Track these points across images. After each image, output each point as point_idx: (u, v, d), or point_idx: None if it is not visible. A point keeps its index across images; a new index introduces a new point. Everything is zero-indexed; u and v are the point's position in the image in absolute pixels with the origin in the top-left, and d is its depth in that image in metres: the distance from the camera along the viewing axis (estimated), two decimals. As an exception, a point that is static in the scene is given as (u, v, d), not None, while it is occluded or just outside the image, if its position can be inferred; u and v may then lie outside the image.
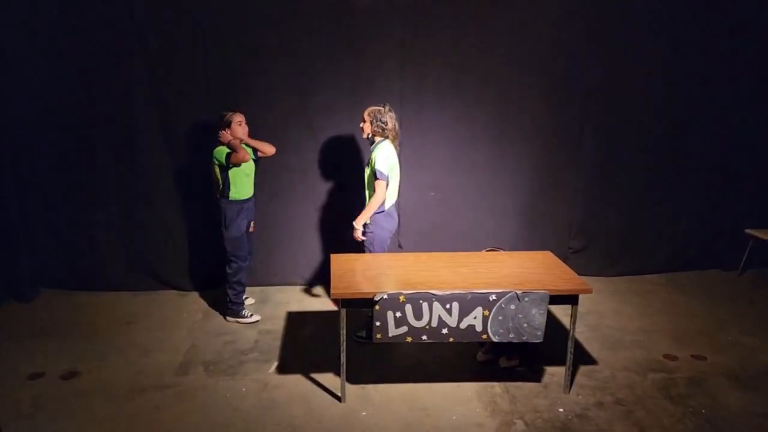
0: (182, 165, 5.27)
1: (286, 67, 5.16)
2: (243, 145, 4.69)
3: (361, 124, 4.49)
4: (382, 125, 4.39)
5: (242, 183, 4.73)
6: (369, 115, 4.43)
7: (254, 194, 4.89)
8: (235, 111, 4.69)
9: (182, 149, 5.22)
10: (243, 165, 4.68)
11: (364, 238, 4.41)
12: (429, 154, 5.50)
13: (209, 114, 5.02)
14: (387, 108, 4.43)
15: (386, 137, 4.44)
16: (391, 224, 4.51)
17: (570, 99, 5.51)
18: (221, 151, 4.65)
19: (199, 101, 5.13)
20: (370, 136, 4.47)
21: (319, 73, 5.21)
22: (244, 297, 5.14)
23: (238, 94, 5.12)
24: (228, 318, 4.99)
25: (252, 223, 4.95)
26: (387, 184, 4.40)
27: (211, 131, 4.82)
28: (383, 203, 4.47)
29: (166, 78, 5.08)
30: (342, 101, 5.28)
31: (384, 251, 4.55)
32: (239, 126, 4.67)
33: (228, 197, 4.70)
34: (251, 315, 5.00)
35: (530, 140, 5.58)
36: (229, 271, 4.86)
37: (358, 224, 4.41)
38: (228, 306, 4.97)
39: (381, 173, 4.34)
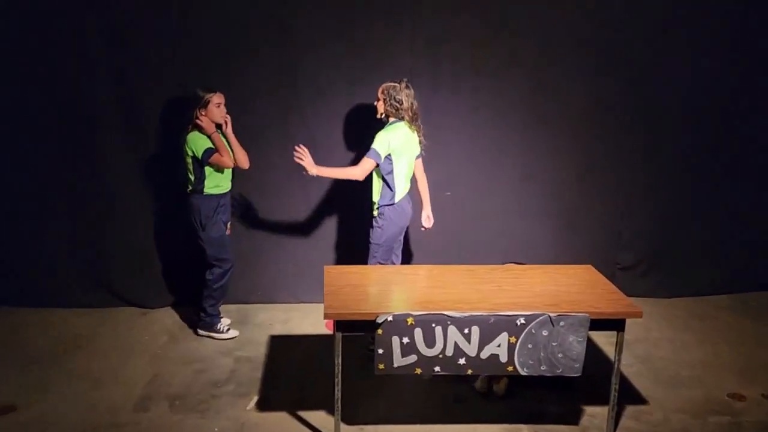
0: (148, 160, 5.30)
1: (273, 44, 5.16)
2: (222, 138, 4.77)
3: (375, 103, 4.67)
4: (396, 104, 4.57)
5: (219, 174, 4.81)
6: (383, 92, 4.60)
7: (231, 188, 4.96)
8: (215, 90, 4.73)
9: (148, 142, 5.26)
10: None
11: (305, 167, 4.45)
12: (444, 145, 5.47)
13: (181, 101, 5.04)
14: (403, 84, 4.59)
15: (401, 118, 4.61)
16: (402, 219, 4.72)
17: (618, 83, 5.49)
18: (197, 141, 4.69)
19: (169, 87, 5.14)
20: (383, 116, 4.64)
21: (312, 50, 5.20)
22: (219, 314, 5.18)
23: (215, 76, 5.10)
24: (199, 332, 5.08)
25: (229, 225, 5.03)
26: (387, 170, 4.60)
27: (183, 120, 4.83)
28: (393, 196, 4.65)
29: (130, 59, 5.09)
30: (339, 83, 5.26)
31: (392, 249, 4.72)
32: (217, 108, 4.72)
33: (203, 192, 4.76)
34: (227, 329, 5.08)
35: (570, 131, 5.56)
36: (209, 277, 4.93)
37: (317, 169, 4.46)
38: (201, 317, 5.04)
39: (374, 152, 4.53)
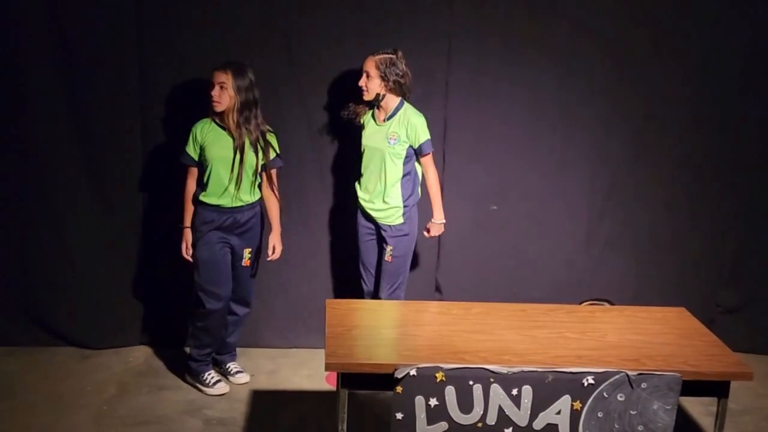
0: (96, 151, 5.37)
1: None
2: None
3: (363, 82, 4.88)
4: (399, 79, 4.83)
5: (217, 180, 4.83)
6: (378, 66, 4.82)
7: (251, 204, 4.97)
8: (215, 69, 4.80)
9: (95, 131, 5.34)
10: (219, 155, 4.78)
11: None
12: (489, 145, 5.53)
13: (143, 85, 5.21)
14: (400, 54, 4.88)
15: (404, 96, 4.93)
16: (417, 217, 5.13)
17: (728, 71, 5.51)
18: (197, 129, 4.84)
19: (124, 57, 5.23)
20: (381, 96, 4.87)
21: (312, 2, 5.28)
22: (231, 366, 5.27)
23: (179, 41, 5.18)
24: (187, 378, 5.23)
25: (247, 252, 5.03)
26: None
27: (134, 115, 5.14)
28: (416, 189, 5.04)
29: (73, 22, 5.16)
30: (351, 54, 5.27)
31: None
32: (212, 90, 4.79)
33: (198, 197, 4.89)
34: (215, 383, 5.12)
35: (659, 130, 5.59)
36: (193, 310, 5.04)
37: (440, 217, 5.05)
38: (187, 361, 5.18)
39: (429, 144, 4.94)
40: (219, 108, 4.77)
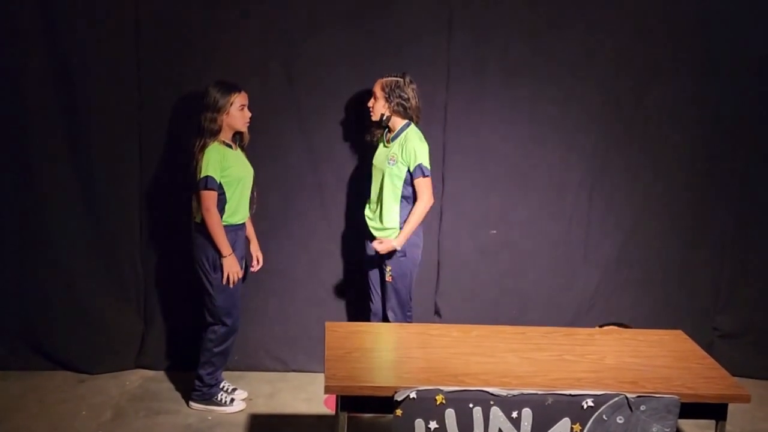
0: (94, 175, 5.40)
1: (260, 17, 5.29)
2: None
3: (371, 103, 5.01)
4: (403, 102, 4.92)
5: (242, 198, 4.95)
6: (383, 88, 4.94)
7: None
8: (238, 89, 4.84)
9: (91, 148, 5.37)
10: (244, 172, 4.93)
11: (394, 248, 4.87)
12: (488, 168, 5.56)
13: (141, 91, 5.23)
14: (408, 79, 4.96)
15: (410, 119, 4.99)
16: (422, 240, 5.10)
17: (729, 94, 5.55)
18: (211, 157, 4.75)
19: (123, 80, 5.28)
20: (385, 117, 4.97)
21: (311, 27, 5.31)
22: (227, 386, 5.25)
23: (181, 57, 5.25)
24: (192, 404, 5.15)
25: (249, 262, 5.17)
26: None
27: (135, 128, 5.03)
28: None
29: (72, 35, 5.20)
30: (351, 78, 5.37)
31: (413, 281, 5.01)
32: (241, 111, 4.85)
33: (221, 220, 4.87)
34: (231, 401, 5.13)
35: (657, 157, 5.63)
36: (211, 337, 5.02)
37: (399, 243, 4.89)
38: (195, 387, 5.12)
39: (426, 169, 4.92)
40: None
